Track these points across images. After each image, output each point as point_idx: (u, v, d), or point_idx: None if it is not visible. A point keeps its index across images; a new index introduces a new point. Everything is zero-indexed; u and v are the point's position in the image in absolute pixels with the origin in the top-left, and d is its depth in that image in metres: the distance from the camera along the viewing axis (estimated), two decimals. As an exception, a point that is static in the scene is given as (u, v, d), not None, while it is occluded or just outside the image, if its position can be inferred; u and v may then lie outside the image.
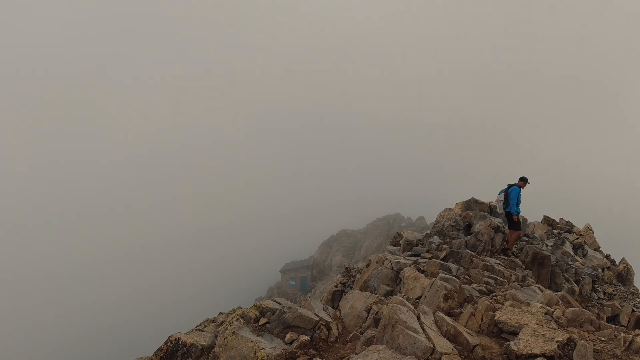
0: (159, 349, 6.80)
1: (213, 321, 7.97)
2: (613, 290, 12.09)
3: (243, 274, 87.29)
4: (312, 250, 72.21)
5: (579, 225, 16.97)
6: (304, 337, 6.49)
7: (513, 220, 12.40)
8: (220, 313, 8.22)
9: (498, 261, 10.37)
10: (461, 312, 6.60)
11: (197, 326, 7.80)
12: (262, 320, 7.28)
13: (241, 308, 7.93)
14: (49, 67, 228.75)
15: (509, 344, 5.32)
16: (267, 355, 6.02)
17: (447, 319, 6.08)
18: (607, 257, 15.17)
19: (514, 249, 12.67)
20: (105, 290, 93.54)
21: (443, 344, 5.38)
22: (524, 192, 13.05)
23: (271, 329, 6.95)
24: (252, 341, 6.33)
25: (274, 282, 69.15)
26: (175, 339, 6.87)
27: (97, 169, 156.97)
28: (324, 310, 7.90)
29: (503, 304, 6.55)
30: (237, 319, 7.25)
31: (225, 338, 6.60)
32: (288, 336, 6.61)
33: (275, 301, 8.24)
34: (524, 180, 12.74)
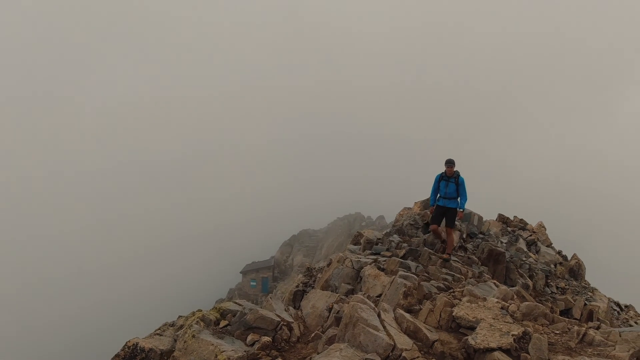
0: (117, 355, 6.60)
1: (172, 325, 7.81)
2: (565, 285, 12.53)
3: (203, 278, 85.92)
4: (273, 250, 71.81)
5: (532, 223, 17.57)
6: (266, 338, 6.45)
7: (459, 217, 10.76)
8: (180, 316, 8.06)
9: (455, 258, 10.61)
10: (420, 309, 6.71)
11: (155, 330, 7.61)
12: (223, 323, 7.18)
13: (201, 311, 7.80)
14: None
15: (467, 339, 5.46)
16: (229, 358, 5.95)
17: (407, 315, 6.18)
18: (559, 253, 15.73)
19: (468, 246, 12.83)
20: (67, 303, 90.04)
21: (403, 341, 5.47)
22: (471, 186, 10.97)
23: (232, 331, 6.87)
24: (212, 344, 6.25)
25: (235, 284, 68.39)
26: (133, 344, 6.69)
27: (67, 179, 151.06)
28: (285, 310, 7.88)
29: (461, 300, 6.71)
30: (197, 322, 7.13)
31: (185, 342, 6.48)
32: (249, 338, 6.55)
33: (236, 303, 8.15)
34: (450, 165, 10.45)
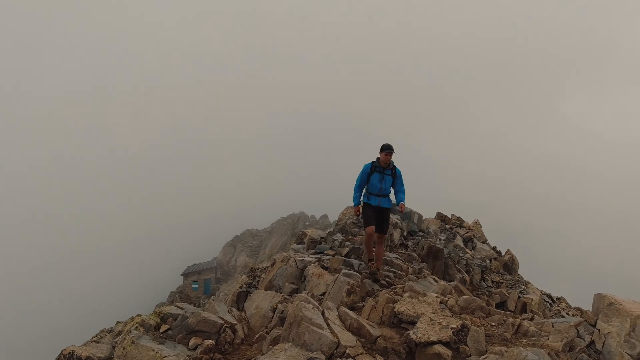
0: (51, 365, 6.30)
1: (110, 331, 7.53)
2: (500, 279, 13.07)
3: (143, 281, 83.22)
4: (216, 251, 70.67)
5: (469, 220, 18.26)
6: (209, 342, 6.34)
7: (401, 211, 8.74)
8: (118, 322, 7.80)
9: (397, 255, 10.84)
10: (363, 306, 6.81)
11: (92, 337, 7.32)
12: (164, 327, 6.99)
13: (140, 315, 7.56)
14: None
15: (409, 333, 5.59)
16: (170, 363, 5.80)
17: (351, 313, 6.26)
18: (494, 249, 16.42)
19: (408, 244, 13.07)
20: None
21: (347, 338, 5.53)
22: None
23: (173, 335, 6.70)
24: (153, 350, 6.07)
25: (176, 287, 66.71)
26: (69, 352, 6.39)
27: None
28: (228, 312, 7.77)
29: (402, 296, 6.87)
30: (136, 327, 6.90)
31: (123, 348, 6.26)
32: (192, 342, 6.42)
33: (177, 306, 7.96)
34: (387, 151, 8.30)
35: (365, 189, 8.61)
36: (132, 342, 6.24)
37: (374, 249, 8.86)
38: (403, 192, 8.63)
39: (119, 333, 7.18)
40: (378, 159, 8.50)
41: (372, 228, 8.41)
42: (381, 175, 8.45)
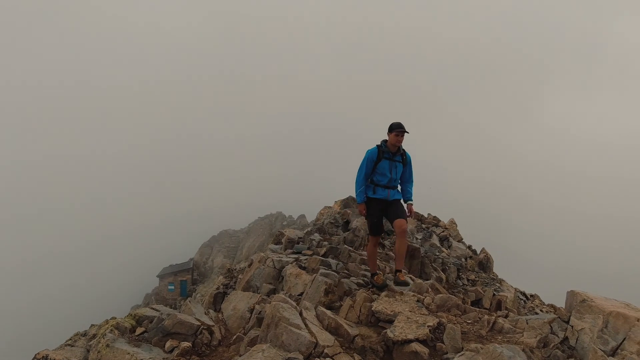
0: (23, 369, 6.16)
1: (84, 334, 7.39)
2: (475, 277, 13.24)
3: (118, 283, 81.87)
4: (192, 252, 70.04)
5: (444, 219, 18.48)
6: (185, 344, 6.27)
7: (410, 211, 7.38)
8: (92, 325, 7.66)
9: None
10: (341, 305, 6.83)
11: (66, 341, 7.17)
12: (139, 330, 6.88)
13: (115, 318, 7.44)
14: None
15: (386, 332, 5.63)
16: (146, 366, 5.72)
17: (328, 312, 6.27)
18: (469, 247, 16.64)
19: (386, 243, 13.09)
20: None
21: (325, 337, 5.53)
22: None
23: (149, 338, 6.61)
24: (128, 353, 5.97)
25: (152, 288, 65.84)
26: (43, 356, 6.25)
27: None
28: (205, 314, 7.70)
29: (379, 295, 6.90)
30: (111, 330, 6.78)
31: (98, 352, 6.14)
32: (168, 344, 6.34)
33: (152, 308, 7.86)
34: (398, 131, 6.83)
35: (369, 180, 7.13)
36: (107, 346, 6.14)
37: (378, 260, 7.80)
38: (411, 185, 7.32)
39: (94, 336, 7.04)
40: (385, 142, 7.05)
41: (377, 238, 7.43)
42: (391, 162, 7.01)
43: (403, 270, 7.52)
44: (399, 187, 7.32)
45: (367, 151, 7.06)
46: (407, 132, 6.83)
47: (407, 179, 7.27)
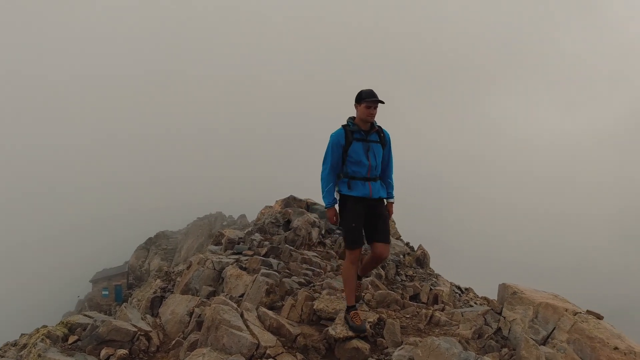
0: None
1: (14, 344, 7.01)
2: (413, 273, 13.58)
3: (48, 290, 77.76)
4: (127, 255, 67.59)
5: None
6: (122, 351, 6.06)
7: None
8: (22, 334, 7.28)
9: (315, 254, 10.95)
10: (283, 305, 6.82)
11: (-8, 353, 6.76)
12: (72, 338, 6.59)
13: (46, 327, 7.10)
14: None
15: (328, 330, 5.67)
16: (78, 376, 5.47)
17: (270, 313, 6.24)
18: (407, 244, 17.06)
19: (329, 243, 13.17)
20: None
21: (267, 338, 5.50)
22: None
23: (83, 346, 6.33)
24: (59, 363, 5.69)
25: (85, 294, 63.04)
26: (-39, 372, 5.84)
27: None
28: (142, 319, 7.46)
29: (320, 293, 6.95)
30: (42, 339, 6.45)
31: (26, 363, 5.82)
32: (103, 352, 6.09)
33: (85, 315, 7.55)
34: (369, 101, 5.07)
35: (341, 174, 5.30)
36: (39, 356, 5.84)
37: (360, 282, 6.14)
38: (392, 173, 5.66)
39: (24, 346, 6.71)
40: (352, 119, 5.31)
41: (357, 252, 5.35)
42: (365, 144, 5.23)
43: (357, 305, 5.85)
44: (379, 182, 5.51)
45: (331, 135, 5.28)
46: (382, 102, 5.12)
47: (386, 164, 5.52)
